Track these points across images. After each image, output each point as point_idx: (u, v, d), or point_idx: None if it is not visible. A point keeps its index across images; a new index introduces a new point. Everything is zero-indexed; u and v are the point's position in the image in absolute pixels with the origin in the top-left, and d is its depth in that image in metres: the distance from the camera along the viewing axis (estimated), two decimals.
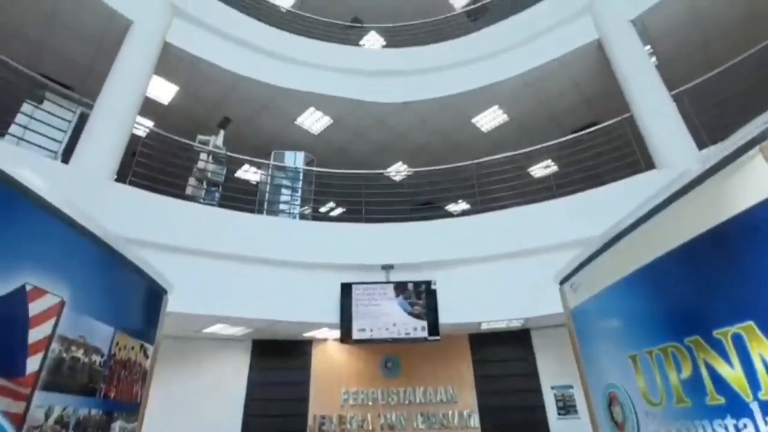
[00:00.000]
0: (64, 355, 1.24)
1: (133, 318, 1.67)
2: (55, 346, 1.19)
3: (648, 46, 6.21)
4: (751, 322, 0.95)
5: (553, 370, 5.90)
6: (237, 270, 5.07)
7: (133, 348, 1.60)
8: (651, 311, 1.29)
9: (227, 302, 4.87)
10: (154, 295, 1.83)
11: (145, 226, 4.59)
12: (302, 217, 6.90)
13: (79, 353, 1.31)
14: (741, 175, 0.98)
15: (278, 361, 6.26)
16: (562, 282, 1.83)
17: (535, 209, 5.53)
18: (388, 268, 5.64)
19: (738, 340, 0.98)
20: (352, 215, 6.96)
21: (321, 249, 5.57)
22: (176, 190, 5.52)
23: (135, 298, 1.68)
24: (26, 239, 1.12)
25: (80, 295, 1.29)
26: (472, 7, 8.73)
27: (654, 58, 6.37)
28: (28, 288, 1.09)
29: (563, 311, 1.86)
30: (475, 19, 8.48)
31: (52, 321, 1.18)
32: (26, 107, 4.91)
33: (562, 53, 6.50)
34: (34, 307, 1.12)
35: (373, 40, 9.46)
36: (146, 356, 1.76)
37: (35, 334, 1.12)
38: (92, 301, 1.36)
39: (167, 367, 5.61)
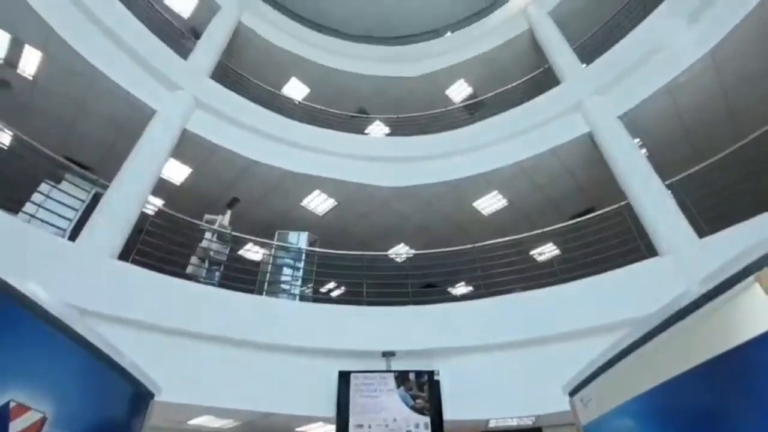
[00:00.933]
0: None
1: (115, 429, 1.56)
2: None
3: (637, 139, 6.57)
4: None
5: None
6: (230, 355, 4.84)
7: None
8: None
9: (217, 391, 4.57)
10: (140, 399, 1.73)
11: (141, 305, 4.50)
12: (302, 297, 6.77)
13: None
14: (740, 303, 0.98)
15: None
16: (572, 394, 1.72)
17: (539, 295, 5.42)
18: (389, 355, 5.39)
19: None
20: (352, 296, 6.83)
21: (319, 333, 5.36)
22: (177, 269, 5.50)
23: (119, 406, 1.59)
24: (18, 351, 1.09)
25: (63, 408, 1.22)
26: (469, 102, 9.47)
27: (644, 150, 6.70)
28: (11, 405, 1.04)
29: (575, 426, 1.73)
30: (472, 113, 9.15)
31: None
32: (43, 186, 5.13)
33: (556, 144, 6.87)
34: (15, 427, 1.05)
35: (377, 129, 10.11)
36: None
37: None
38: (74, 414, 1.29)
39: None
